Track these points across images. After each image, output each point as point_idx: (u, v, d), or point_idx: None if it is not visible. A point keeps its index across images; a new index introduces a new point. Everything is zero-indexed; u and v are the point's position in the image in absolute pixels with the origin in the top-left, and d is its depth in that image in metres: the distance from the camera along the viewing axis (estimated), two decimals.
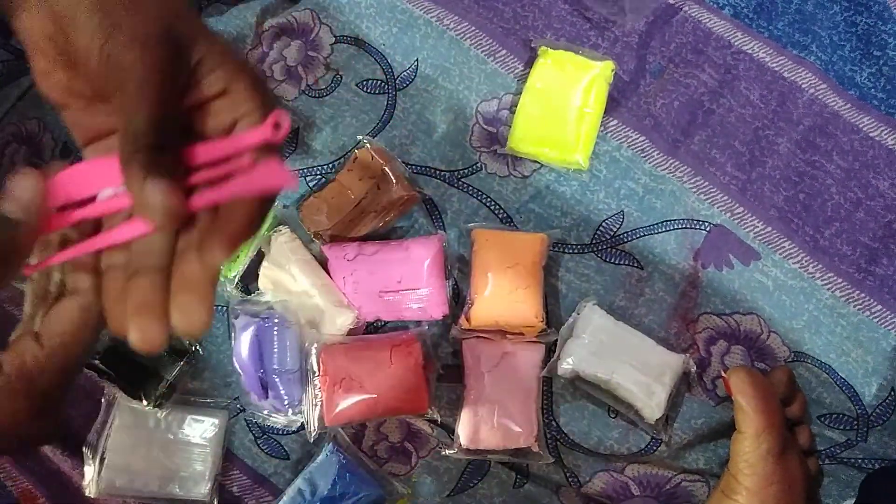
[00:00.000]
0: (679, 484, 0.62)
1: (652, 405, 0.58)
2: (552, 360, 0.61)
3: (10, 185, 0.32)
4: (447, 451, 0.61)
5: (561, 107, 0.64)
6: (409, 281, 0.61)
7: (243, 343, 0.61)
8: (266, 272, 0.63)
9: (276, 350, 0.61)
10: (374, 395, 0.59)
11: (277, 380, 0.61)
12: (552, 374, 0.61)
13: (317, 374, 0.60)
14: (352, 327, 0.62)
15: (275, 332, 0.61)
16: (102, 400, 0.63)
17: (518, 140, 0.64)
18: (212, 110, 0.33)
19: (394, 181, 0.63)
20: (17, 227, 0.31)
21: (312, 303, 0.62)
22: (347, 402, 0.59)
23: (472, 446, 0.60)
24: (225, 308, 0.65)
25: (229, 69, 0.32)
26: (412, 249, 0.62)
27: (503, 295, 0.60)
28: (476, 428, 0.60)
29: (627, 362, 0.59)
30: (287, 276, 0.62)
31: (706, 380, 0.62)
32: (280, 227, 0.64)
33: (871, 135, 0.65)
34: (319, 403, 0.60)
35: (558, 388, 0.63)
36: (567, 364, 0.59)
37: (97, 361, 0.62)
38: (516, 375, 0.60)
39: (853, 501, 0.59)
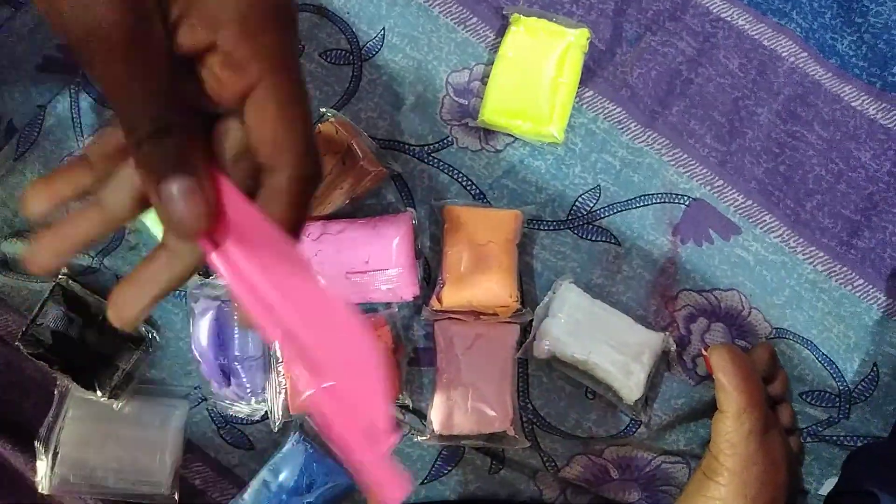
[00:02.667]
0: (659, 466, 0.60)
1: (630, 385, 0.56)
2: (528, 341, 0.58)
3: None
4: (419, 438, 0.59)
5: (534, 77, 0.61)
6: (377, 261, 0.58)
7: (202, 329, 0.58)
8: None
9: (236, 335, 0.58)
10: None
11: (239, 367, 0.58)
12: (528, 356, 0.59)
13: (280, 360, 0.58)
14: None
15: (235, 317, 0.58)
16: (55, 391, 0.60)
17: (490, 112, 0.61)
18: (205, 73, 0.28)
19: (360, 156, 0.59)
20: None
21: None
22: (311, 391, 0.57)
23: (446, 432, 0.57)
24: (183, 293, 0.62)
25: (209, 13, 0.26)
26: (380, 228, 0.59)
27: (476, 274, 0.58)
28: (449, 413, 0.57)
29: (605, 342, 0.56)
30: None
31: (686, 358, 0.60)
32: None
33: (852, 104, 0.63)
34: (284, 391, 0.57)
35: (534, 370, 0.61)
36: (543, 345, 0.57)
37: (46, 351, 0.59)
38: (491, 357, 0.58)
39: (835, 480, 0.58)
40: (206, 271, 0.62)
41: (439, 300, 0.59)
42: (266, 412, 0.60)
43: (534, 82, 0.61)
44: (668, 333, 0.58)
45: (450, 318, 0.59)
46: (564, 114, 0.61)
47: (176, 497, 0.59)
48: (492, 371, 0.57)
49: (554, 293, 0.59)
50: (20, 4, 0.67)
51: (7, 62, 0.67)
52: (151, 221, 0.61)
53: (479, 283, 0.57)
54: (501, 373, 0.58)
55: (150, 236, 0.62)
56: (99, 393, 0.59)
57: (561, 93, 0.61)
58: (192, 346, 0.59)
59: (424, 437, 0.58)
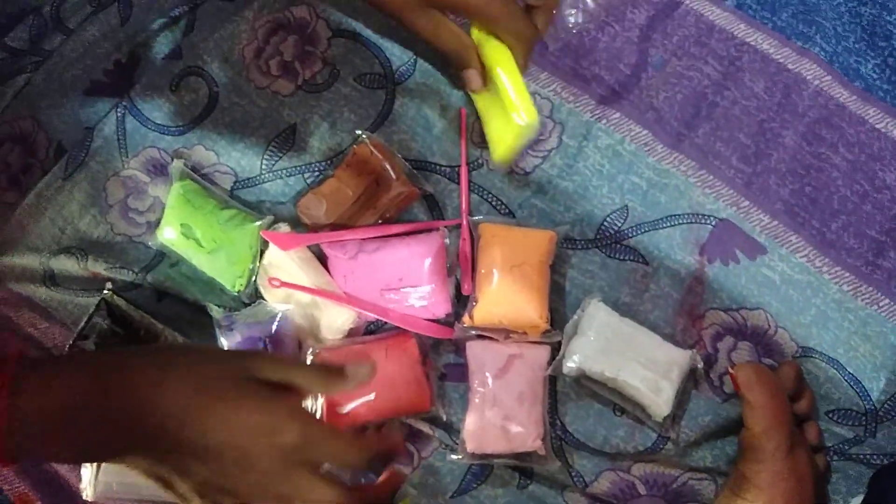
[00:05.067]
0: (686, 483, 0.61)
1: (659, 402, 0.57)
2: (557, 358, 0.60)
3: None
4: (453, 456, 0.60)
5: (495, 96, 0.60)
6: (410, 279, 0.60)
7: None
8: (265, 269, 0.62)
9: None
10: (372, 397, 0.58)
11: None
12: (557, 373, 0.60)
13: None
14: (352, 327, 0.61)
15: (267, 341, 0.60)
16: None
17: (495, 147, 0.62)
18: None
19: (393, 177, 0.61)
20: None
21: (311, 303, 0.61)
22: (347, 407, 0.58)
23: (479, 451, 0.59)
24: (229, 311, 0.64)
25: None
26: (413, 246, 0.61)
27: (508, 294, 0.59)
28: (482, 433, 0.58)
29: (634, 359, 0.58)
30: (285, 274, 0.61)
31: (713, 376, 0.61)
32: (279, 224, 0.63)
33: (877, 126, 0.64)
34: (319, 410, 0.59)
35: (563, 387, 0.62)
36: (572, 363, 0.58)
37: None
38: (522, 378, 0.59)
39: (862, 498, 0.58)
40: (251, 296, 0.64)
41: (471, 317, 0.60)
42: None
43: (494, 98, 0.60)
44: (695, 351, 0.59)
45: (480, 337, 0.61)
46: (522, 96, 0.57)
47: None
48: (523, 391, 0.59)
49: (583, 311, 0.60)
50: (70, 31, 0.71)
51: (57, 86, 0.70)
52: (180, 248, 0.64)
53: (512, 302, 0.59)
54: (533, 393, 0.59)
55: (183, 258, 0.65)
56: None
57: (504, 80, 0.58)
58: None
59: (458, 457, 0.60)
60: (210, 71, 0.68)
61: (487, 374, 0.59)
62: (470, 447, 0.59)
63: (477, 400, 0.59)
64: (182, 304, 0.66)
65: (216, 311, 0.62)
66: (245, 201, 0.66)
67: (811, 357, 0.61)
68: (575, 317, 0.60)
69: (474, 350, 0.60)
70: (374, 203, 0.62)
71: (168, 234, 0.64)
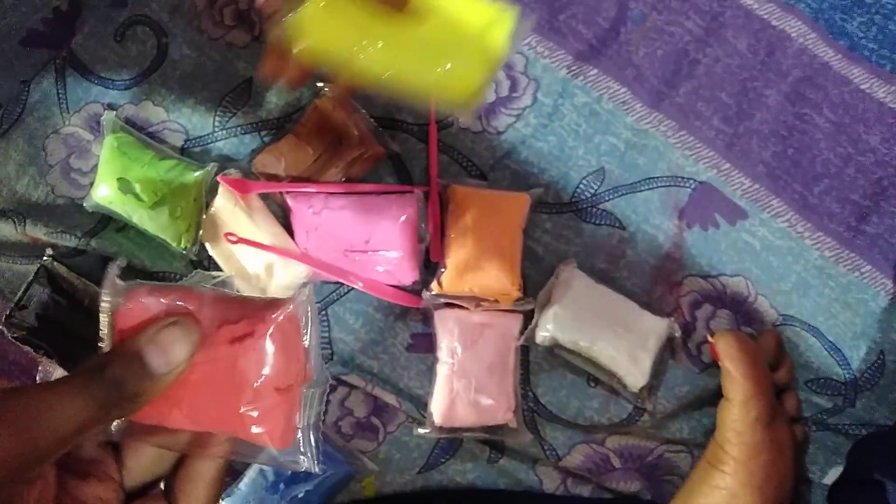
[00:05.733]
0: (662, 455, 0.59)
1: (636, 373, 0.55)
2: (530, 327, 0.57)
3: (163, 339, 0.30)
4: (421, 430, 0.57)
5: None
6: (378, 242, 0.56)
7: None
8: (213, 220, 0.58)
9: None
10: None
11: None
12: (529, 343, 0.57)
13: None
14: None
15: None
16: (37, 377, 0.58)
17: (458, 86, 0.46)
18: None
19: (357, 135, 0.57)
20: (158, 381, 0.30)
21: (261, 261, 0.57)
22: None
23: (447, 424, 0.56)
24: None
25: None
26: (384, 208, 0.57)
27: (479, 260, 0.56)
28: (451, 405, 0.56)
29: (610, 328, 0.55)
30: (235, 229, 0.56)
31: (690, 345, 0.59)
32: (228, 170, 0.58)
33: (861, 87, 0.62)
34: None
35: (535, 357, 0.59)
36: (545, 332, 0.56)
37: (30, 335, 0.57)
38: (493, 348, 0.56)
39: (840, 469, 0.57)
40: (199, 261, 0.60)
41: (440, 285, 0.57)
42: None
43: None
44: (673, 319, 0.57)
45: (449, 306, 0.58)
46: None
47: (161, 486, 0.57)
48: (494, 362, 0.56)
49: (557, 278, 0.57)
50: None
51: None
52: (118, 205, 0.59)
53: (482, 269, 0.56)
54: (504, 364, 0.56)
55: (122, 217, 0.60)
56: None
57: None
58: None
59: (426, 430, 0.57)
60: (158, 20, 0.63)
61: (457, 343, 0.56)
62: (438, 420, 0.56)
63: (445, 371, 0.56)
64: (129, 271, 0.61)
65: None
66: (196, 161, 0.61)
67: (791, 325, 0.59)
68: (549, 283, 0.57)
69: (443, 319, 0.57)
70: (336, 163, 0.58)
71: (103, 192, 0.59)
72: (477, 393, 0.56)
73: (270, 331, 0.31)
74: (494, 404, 0.56)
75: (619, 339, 0.55)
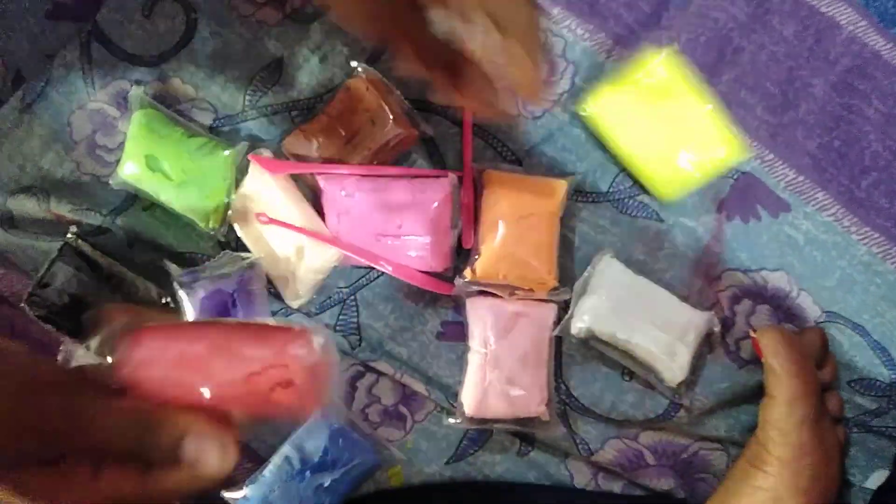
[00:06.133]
0: (697, 453, 0.57)
1: (674, 367, 0.53)
2: (565, 318, 0.55)
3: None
4: (451, 420, 0.55)
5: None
6: (411, 226, 0.55)
7: (203, 316, 0.55)
8: (242, 200, 0.56)
9: (241, 317, 0.55)
10: None
11: None
12: (564, 334, 0.55)
13: None
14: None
15: (236, 296, 0.54)
16: (58, 357, 0.57)
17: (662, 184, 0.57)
18: None
19: (390, 116, 0.56)
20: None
21: (291, 243, 0.55)
22: None
23: (478, 415, 0.54)
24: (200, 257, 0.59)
25: None
26: (418, 192, 0.55)
27: (514, 247, 0.54)
28: (482, 396, 0.54)
29: (648, 320, 0.53)
30: (266, 210, 0.55)
31: (729, 341, 0.57)
32: (259, 150, 0.57)
33: None
34: None
35: (568, 349, 0.57)
36: (582, 323, 0.54)
37: (53, 314, 0.56)
38: (526, 338, 0.54)
39: (884, 472, 0.55)
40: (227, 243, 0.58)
41: (473, 271, 0.55)
42: None
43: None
44: (713, 313, 0.55)
45: (482, 294, 0.56)
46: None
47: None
48: (528, 352, 0.54)
49: (594, 268, 0.55)
50: None
51: (14, 7, 0.63)
52: (145, 183, 0.57)
53: (517, 257, 0.54)
54: (537, 354, 0.54)
55: (149, 195, 0.58)
56: (109, 359, 0.56)
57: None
58: None
59: (456, 421, 0.55)
60: None
61: (489, 332, 0.54)
62: (469, 411, 0.55)
63: (477, 360, 0.54)
64: (155, 251, 0.60)
65: (174, 269, 0.56)
66: (226, 140, 0.60)
67: (834, 322, 0.57)
68: (585, 274, 0.56)
69: (475, 307, 0.55)
70: (368, 145, 0.56)
71: (130, 169, 0.57)
72: (509, 384, 0.54)
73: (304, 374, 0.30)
74: (526, 396, 0.54)
75: (657, 333, 0.53)
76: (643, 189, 0.58)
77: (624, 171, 0.58)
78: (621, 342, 0.54)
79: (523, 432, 0.57)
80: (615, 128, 0.56)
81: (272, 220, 0.55)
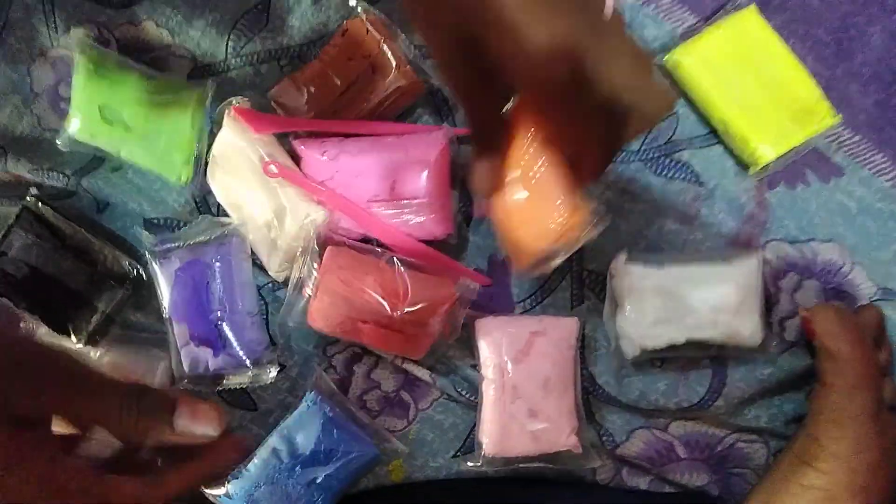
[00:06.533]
0: (733, 445, 0.51)
1: (745, 335, 0.47)
2: (613, 346, 0.49)
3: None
4: (470, 464, 0.49)
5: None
6: (404, 188, 0.48)
7: (181, 289, 0.48)
8: (216, 156, 0.50)
9: (222, 291, 0.48)
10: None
11: (229, 328, 0.48)
12: (622, 364, 0.50)
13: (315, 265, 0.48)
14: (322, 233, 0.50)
15: (217, 267, 0.48)
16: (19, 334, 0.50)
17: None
18: None
19: (393, 64, 0.49)
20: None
21: (270, 208, 0.49)
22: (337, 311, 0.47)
23: (500, 455, 0.48)
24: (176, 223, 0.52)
25: None
26: (410, 148, 0.49)
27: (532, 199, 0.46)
28: (503, 432, 0.48)
29: (697, 309, 0.47)
30: (241, 157, 0.48)
31: (773, 320, 0.51)
32: (238, 99, 0.50)
33: None
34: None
35: (590, 331, 0.51)
36: (631, 349, 0.48)
37: (11, 287, 0.49)
38: (547, 360, 0.48)
39: None
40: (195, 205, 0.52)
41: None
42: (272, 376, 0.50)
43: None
44: (761, 246, 0.50)
45: (494, 316, 0.49)
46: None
47: (159, 463, 0.50)
48: (550, 377, 0.48)
49: (611, 278, 0.49)
50: None
51: None
52: (102, 139, 0.51)
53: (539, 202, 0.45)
54: (562, 377, 0.48)
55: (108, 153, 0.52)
56: (74, 338, 0.50)
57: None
58: (170, 314, 0.49)
59: (475, 464, 0.49)
60: None
61: (506, 357, 0.48)
62: (489, 451, 0.48)
63: (493, 393, 0.48)
64: (127, 216, 0.53)
65: (146, 237, 0.50)
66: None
67: (891, 300, 0.51)
68: (607, 290, 0.49)
69: (487, 329, 0.48)
70: (368, 96, 0.50)
71: (80, 125, 0.50)
72: (532, 416, 0.48)
73: None
74: (553, 428, 0.48)
75: (713, 315, 0.47)
76: (681, 147, 0.52)
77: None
78: (681, 343, 0.48)
79: (555, 469, 0.51)
80: (707, 79, 0.50)
81: (282, 171, 0.48)
